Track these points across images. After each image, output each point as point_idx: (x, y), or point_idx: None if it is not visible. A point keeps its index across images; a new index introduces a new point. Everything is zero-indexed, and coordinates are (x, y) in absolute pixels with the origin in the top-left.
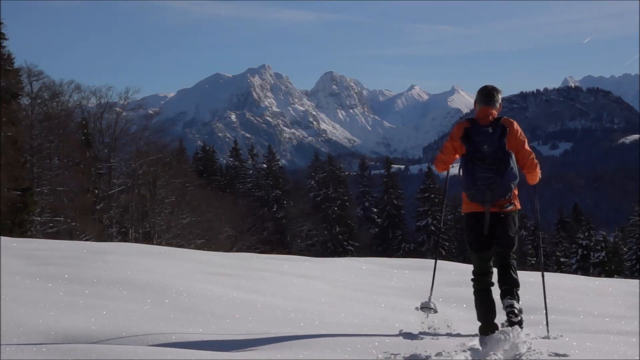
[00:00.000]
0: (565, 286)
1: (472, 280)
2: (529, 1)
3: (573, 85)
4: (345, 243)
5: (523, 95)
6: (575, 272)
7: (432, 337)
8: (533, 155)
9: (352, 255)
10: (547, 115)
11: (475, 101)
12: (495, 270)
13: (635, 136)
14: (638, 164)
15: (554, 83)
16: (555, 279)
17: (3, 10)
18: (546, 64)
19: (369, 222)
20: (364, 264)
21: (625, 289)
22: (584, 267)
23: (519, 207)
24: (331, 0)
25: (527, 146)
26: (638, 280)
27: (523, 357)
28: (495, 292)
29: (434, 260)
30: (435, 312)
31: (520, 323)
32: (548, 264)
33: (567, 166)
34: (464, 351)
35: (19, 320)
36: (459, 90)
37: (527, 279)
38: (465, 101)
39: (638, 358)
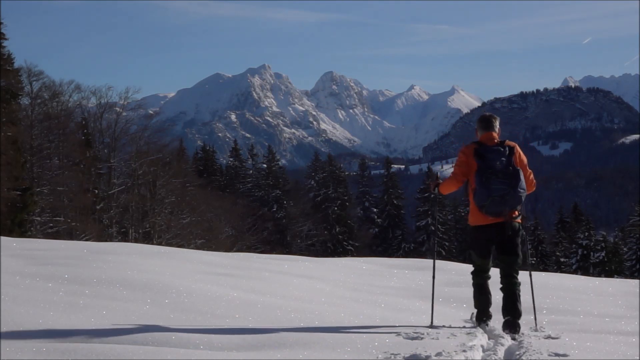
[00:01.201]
0: (565, 286)
1: (472, 273)
2: (529, 1)
3: (573, 85)
4: (345, 243)
5: (523, 95)
6: (575, 272)
7: (432, 337)
8: (533, 174)
9: (352, 255)
10: (547, 115)
11: (476, 129)
12: (492, 269)
13: (635, 136)
14: (638, 164)
15: (554, 83)
16: (555, 279)
17: (3, 10)
18: (546, 64)
19: (369, 222)
20: (364, 264)
21: (625, 289)
22: (584, 267)
23: (522, 220)
24: (331, 0)
25: (528, 167)
26: (638, 280)
27: (523, 357)
28: (493, 286)
29: (432, 260)
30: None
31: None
32: (548, 263)
33: (567, 166)
34: (464, 351)
35: (19, 320)
36: (459, 90)
37: (527, 279)
38: (465, 101)
39: (638, 358)
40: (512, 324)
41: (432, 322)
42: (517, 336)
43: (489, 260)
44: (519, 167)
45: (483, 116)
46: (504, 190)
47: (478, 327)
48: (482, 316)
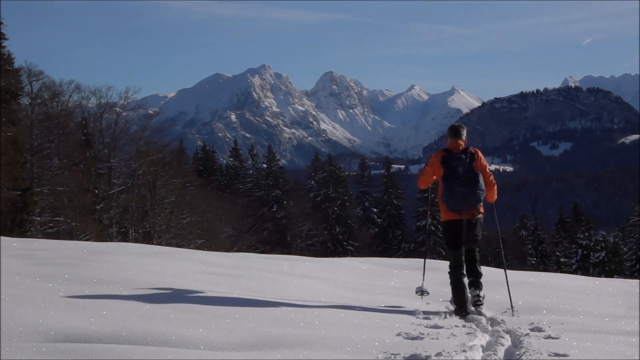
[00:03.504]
0: (565, 286)
1: (449, 272)
2: (529, 1)
3: (573, 85)
4: (345, 243)
5: (523, 95)
6: (575, 272)
7: (432, 337)
8: (492, 176)
9: (352, 255)
10: (547, 115)
11: (446, 136)
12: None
13: (635, 136)
14: (638, 164)
15: (554, 83)
16: (555, 279)
17: (3, 10)
18: (546, 64)
19: (369, 222)
20: (364, 264)
21: (625, 289)
22: (584, 267)
23: (483, 216)
24: (331, 0)
25: (488, 170)
26: (638, 280)
27: (523, 357)
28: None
29: (433, 260)
30: (428, 293)
31: (482, 305)
32: (548, 263)
33: (567, 166)
34: (464, 351)
35: (19, 320)
36: (459, 90)
37: (527, 279)
38: (465, 101)
39: (638, 358)
40: (475, 284)
41: (422, 285)
42: (480, 295)
43: (461, 253)
44: (479, 171)
45: (453, 126)
46: (465, 192)
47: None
48: (461, 311)
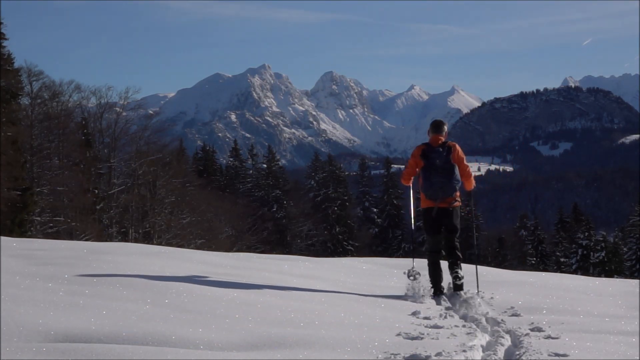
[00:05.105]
0: (565, 286)
1: (428, 255)
2: (529, 1)
3: (573, 85)
4: (345, 243)
5: (523, 95)
6: (575, 272)
7: (432, 337)
8: (469, 168)
9: (352, 255)
10: (547, 115)
11: (428, 131)
12: (444, 253)
13: (635, 136)
14: (638, 164)
15: (554, 83)
16: (555, 279)
17: (3, 10)
18: (546, 64)
19: (369, 222)
20: (364, 264)
21: (625, 289)
22: (584, 267)
23: (460, 204)
24: (331, 0)
25: (465, 161)
26: (638, 280)
27: (523, 357)
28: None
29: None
30: (419, 274)
31: (462, 286)
32: (548, 263)
33: (567, 166)
34: (464, 351)
35: (19, 320)
36: (459, 90)
37: (527, 279)
38: (465, 101)
39: (638, 358)
40: (454, 264)
41: (413, 267)
42: (459, 273)
43: (440, 239)
44: (455, 163)
45: (435, 121)
46: (441, 182)
47: (434, 298)
48: (436, 290)
